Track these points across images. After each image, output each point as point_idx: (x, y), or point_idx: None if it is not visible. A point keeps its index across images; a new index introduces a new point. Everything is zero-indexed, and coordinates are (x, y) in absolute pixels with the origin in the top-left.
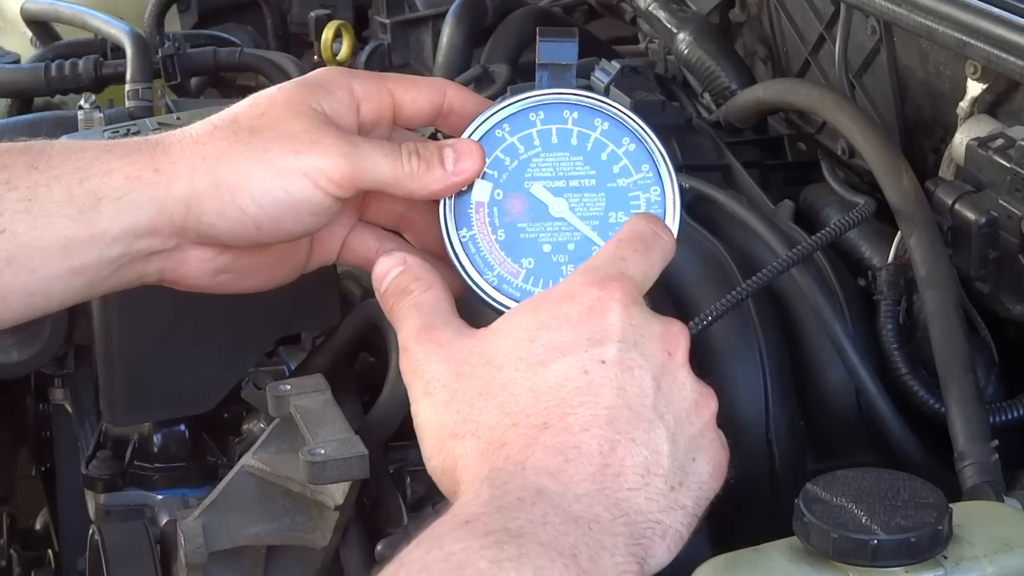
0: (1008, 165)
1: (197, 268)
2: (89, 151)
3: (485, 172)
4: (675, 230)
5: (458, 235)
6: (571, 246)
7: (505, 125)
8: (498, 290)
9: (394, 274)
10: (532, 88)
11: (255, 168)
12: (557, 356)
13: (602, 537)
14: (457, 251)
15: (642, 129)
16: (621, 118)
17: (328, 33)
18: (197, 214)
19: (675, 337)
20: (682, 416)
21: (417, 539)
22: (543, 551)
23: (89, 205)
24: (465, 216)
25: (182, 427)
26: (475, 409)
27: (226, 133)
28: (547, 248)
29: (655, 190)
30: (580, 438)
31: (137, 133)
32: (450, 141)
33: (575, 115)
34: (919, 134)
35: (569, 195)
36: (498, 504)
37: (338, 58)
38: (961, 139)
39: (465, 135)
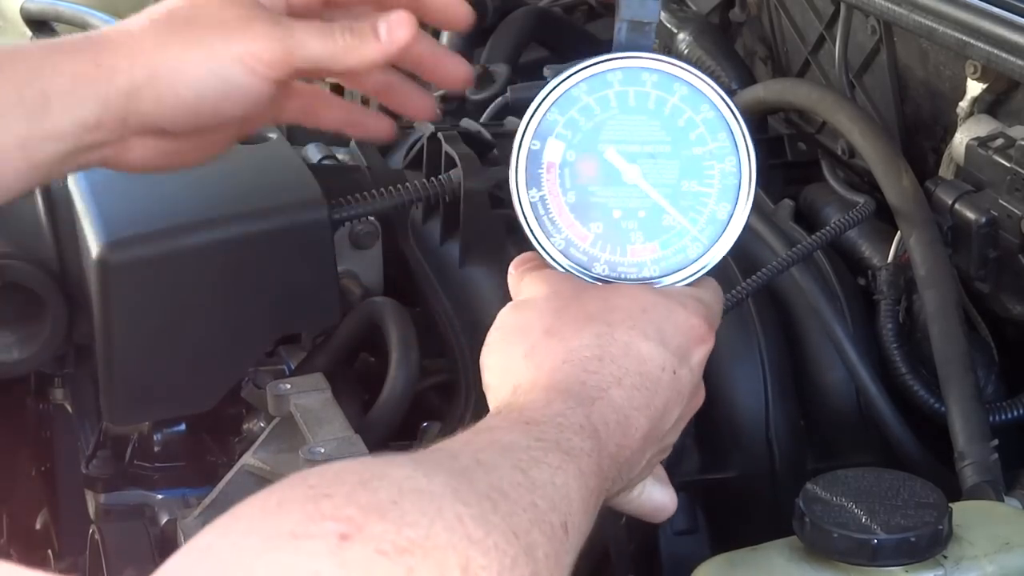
0: (1008, 165)
1: (141, 154)
2: (36, 52)
3: (558, 132)
4: (749, 203)
5: (528, 195)
6: (642, 213)
7: (583, 85)
8: (564, 253)
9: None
10: (596, 57)
11: (190, 56)
12: (656, 339)
13: (601, 497)
14: (525, 211)
15: (721, 97)
16: (701, 84)
17: None
18: (137, 105)
19: (700, 398)
20: (661, 448)
21: (471, 427)
22: (578, 474)
23: (40, 105)
24: (536, 176)
25: (182, 427)
26: (578, 324)
27: (162, 25)
28: (617, 214)
29: (731, 160)
30: (632, 414)
31: None
32: (382, 14)
33: (654, 78)
34: (919, 134)
35: (643, 161)
36: (560, 421)
37: None
38: (961, 139)
39: (542, 93)
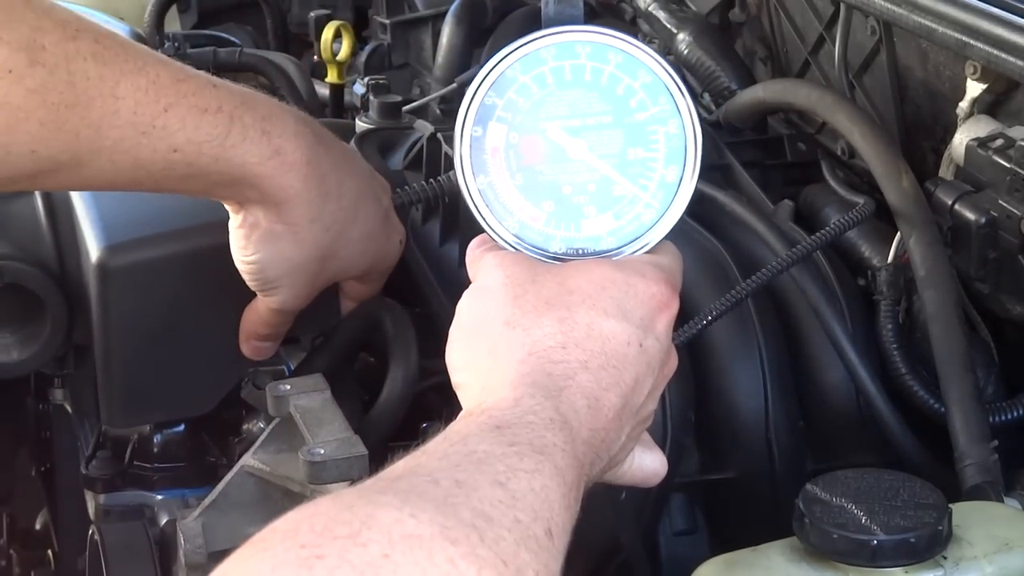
0: (1008, 165)
1: None
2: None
3: (498, 115)
4: (698, 162)
5: (476, 182)
6: (591, 186)
7: (517, 65)
8: (519, 236)
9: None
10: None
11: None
12: (618, 315)
13: (581, 487)
14: (475, 199)
15: (657, 61)
16: (635, 50)
17: (328, 33)
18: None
19: (673, 363)
20: (641, 418)
21: (444, 432)
22: (555, 473)
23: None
24: (481, 162)
25: (182, 427)
26: (537, 312)
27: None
28: (567, 190)
29: (674, 122)
30: (602, 395)
31: None
32: None
33: (588, 50)
34: (919, 134)
35: (586, 134)
36: (531, 419)
37: (338, 58)
38: (961, 139)
39: (477, 79)
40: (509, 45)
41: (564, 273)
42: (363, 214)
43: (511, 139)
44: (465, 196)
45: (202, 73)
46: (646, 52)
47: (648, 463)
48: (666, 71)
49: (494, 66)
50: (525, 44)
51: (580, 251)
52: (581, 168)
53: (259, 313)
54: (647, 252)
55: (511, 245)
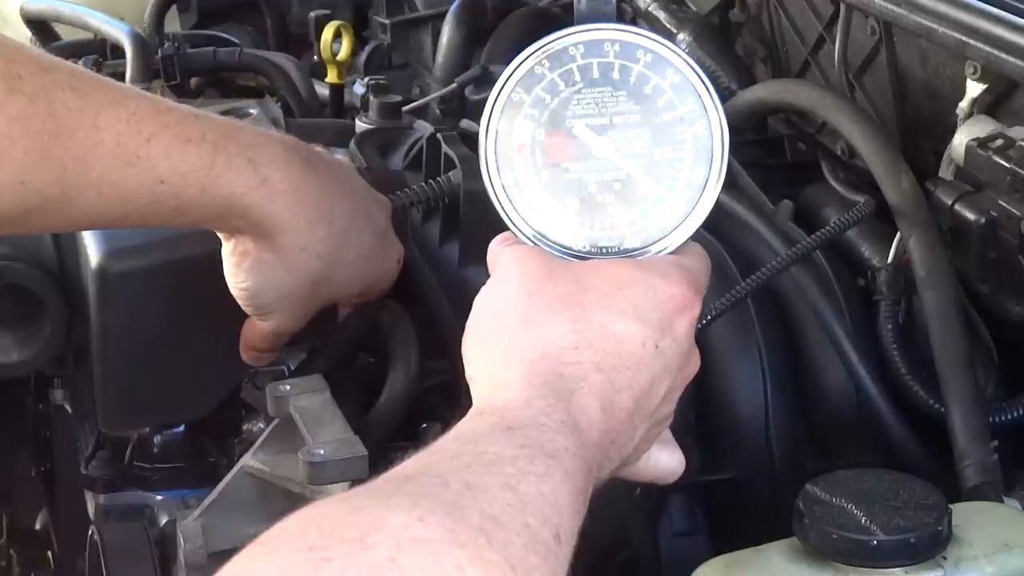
0: (1008, 165)
1: None
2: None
3: (525, 111)
4: (724, 164)
5: (500, 178)
6: (617, 185)
7: (545, 61)
8: (543, 234)
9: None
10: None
11: None
12: (634, 316)
13: (589, 490)
14: (499, 195)
15: (685, 61)
16: (664, 50)
17: (328, 33)
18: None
19: (694, 365)
20: (656, 420)
21: (455, 430)
22: (565, 477)
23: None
24: (507, 159)
25: (182, 428)
26: (552, 310)
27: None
28: (593, 188)
29: (701, 123)
30: (615, 396)
31: None
32: None
33: (617, 48)
34: (919, 134)
35: (613, 133)
36: (542, 421)
37: (338, 58)
38: (961, 139)
39: (504, 74)
40: (538, 41)
41: (581, 271)
42: (356, 238)
43: (537, 136)
44: (489, 192)
45: (183, 105)
46: (675, 52)
47: (664, 460)
48: (695, 72)
49: (522, 62)
50: (554, 41)
51: (604, 250)
52: (607, 166)
53: (256, 331)
54: (671, 253)
55: (534, 242)
